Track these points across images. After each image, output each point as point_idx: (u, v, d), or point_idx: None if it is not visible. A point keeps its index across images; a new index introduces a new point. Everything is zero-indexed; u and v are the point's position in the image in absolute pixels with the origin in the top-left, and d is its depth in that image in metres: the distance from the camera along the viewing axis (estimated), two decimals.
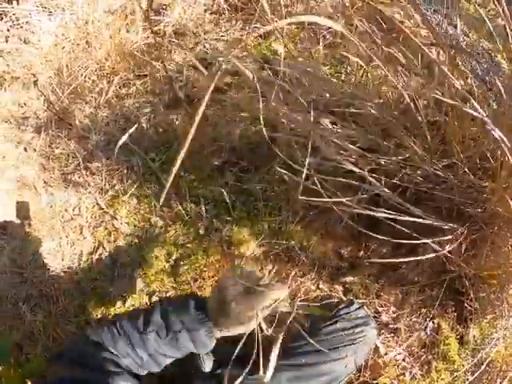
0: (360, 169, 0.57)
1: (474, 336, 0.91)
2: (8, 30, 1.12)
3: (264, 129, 0.56)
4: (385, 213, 0.66)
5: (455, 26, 1.25)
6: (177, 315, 0.58)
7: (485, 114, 0.59)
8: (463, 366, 0.85)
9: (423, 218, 0.71)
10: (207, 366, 0.69)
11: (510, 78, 0.77)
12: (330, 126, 0.62)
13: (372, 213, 0.63)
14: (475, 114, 0.59)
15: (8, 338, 0.84)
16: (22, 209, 1.00)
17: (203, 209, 0.83)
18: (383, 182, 0.77)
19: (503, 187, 0.68)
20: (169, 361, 0.61)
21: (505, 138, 0.59)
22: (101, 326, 0.59)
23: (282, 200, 0.80)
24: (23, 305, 0.90)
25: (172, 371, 0.72)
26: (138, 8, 1.01)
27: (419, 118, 0.76)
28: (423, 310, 0.90)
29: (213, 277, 0.80)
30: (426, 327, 0.91)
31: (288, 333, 0.75)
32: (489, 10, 1.26)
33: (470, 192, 0.78)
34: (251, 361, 0.57)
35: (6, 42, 1.14)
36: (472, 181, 0.75)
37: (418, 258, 0.76)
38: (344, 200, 0.56)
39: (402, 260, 0.79)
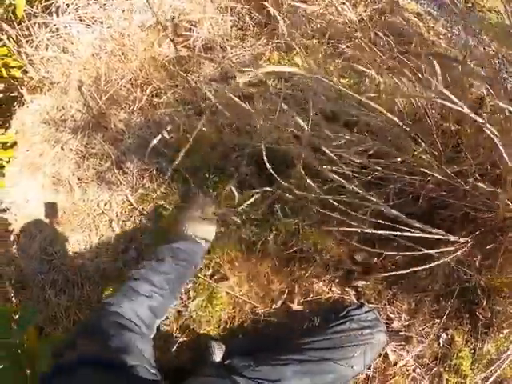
0: (356, 186, 0.60)
1: (488, 350, 0.89)
2: (48, 40, 1.22)
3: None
4: (393, 228, 0.68)
5: (475, 36, 1.27)
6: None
7: (491, 128, 0.62)
8: (476, 381, 0.83)
9: (431, 233, 0.73)
10: (217, 355, 0.73)
11: None
12: (330, 135, 0.67)
13: (380, 231, 0.66)
14: (484, 128, 0.62)
15: (34, 308, 0.89)
16: (56, 202, 1.09)
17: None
18: (393, 190, 0.79)
19: None
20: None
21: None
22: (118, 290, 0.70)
23: (299, 203, 0.84)
24: (49, 289, 0.96)
25: (185, 363, 0.77)
26: (170, 26, 1.10)
27: (430, 125, 0.79)
28: (437, 321, 0.89)
29: (231, 271, 0.85)
30: (438, 338, 0.90)
31: (297, 329, 0.78)
32: None
33: (482, 199, 0.78)
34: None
35: (46, 49, 1.25)
36: (483, 187, 0.76)
37: (429, 265, 0.77)
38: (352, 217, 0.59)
39: (414, 269, 0.81)
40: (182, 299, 0.83)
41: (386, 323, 0.87)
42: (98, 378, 0.52)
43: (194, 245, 0.80)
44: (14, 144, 1.20)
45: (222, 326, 0.82)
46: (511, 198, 0.68)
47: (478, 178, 0.75)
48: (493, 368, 0.85)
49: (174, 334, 0.80)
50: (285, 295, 0.81)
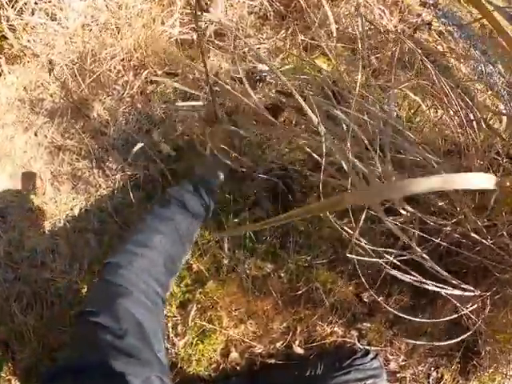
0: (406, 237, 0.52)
1: None
2: (36, 3, 1.02)
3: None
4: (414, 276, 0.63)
5: (492, 64, 1.23)
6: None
7: None
8: None
9: (456, 287, 0.68)
10: None
11: None
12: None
13: (402, 277, 0.60)
14: None
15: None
16: (25, 198, 0.92)
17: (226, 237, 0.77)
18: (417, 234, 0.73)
19: None
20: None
21: None
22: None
23: (312, 239, 0.75)
24: (14, 302, 0.83)
25: None
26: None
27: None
28: (430, 359, 0.89)
29: (226, 308, 0.75)
30: (429, 376, 0.89)
31: (298, 375, 0.72)
32: None
33: (500, 254, 0.75)
34: None
35: (32, 14, 1.03)
36: (507, 244, 0.73)
37: (440, 319, 0.74)
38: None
39: (422, 320, 0.78)
40: (168, 336, 0.72)
41: (384, 364, 0.84)
42: None
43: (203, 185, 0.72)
44: None
45: (213, 366, 0.73)
46: None
47: (505, 234, 0.70)
48: None
49: None
50: (289, 336, 0.73)
